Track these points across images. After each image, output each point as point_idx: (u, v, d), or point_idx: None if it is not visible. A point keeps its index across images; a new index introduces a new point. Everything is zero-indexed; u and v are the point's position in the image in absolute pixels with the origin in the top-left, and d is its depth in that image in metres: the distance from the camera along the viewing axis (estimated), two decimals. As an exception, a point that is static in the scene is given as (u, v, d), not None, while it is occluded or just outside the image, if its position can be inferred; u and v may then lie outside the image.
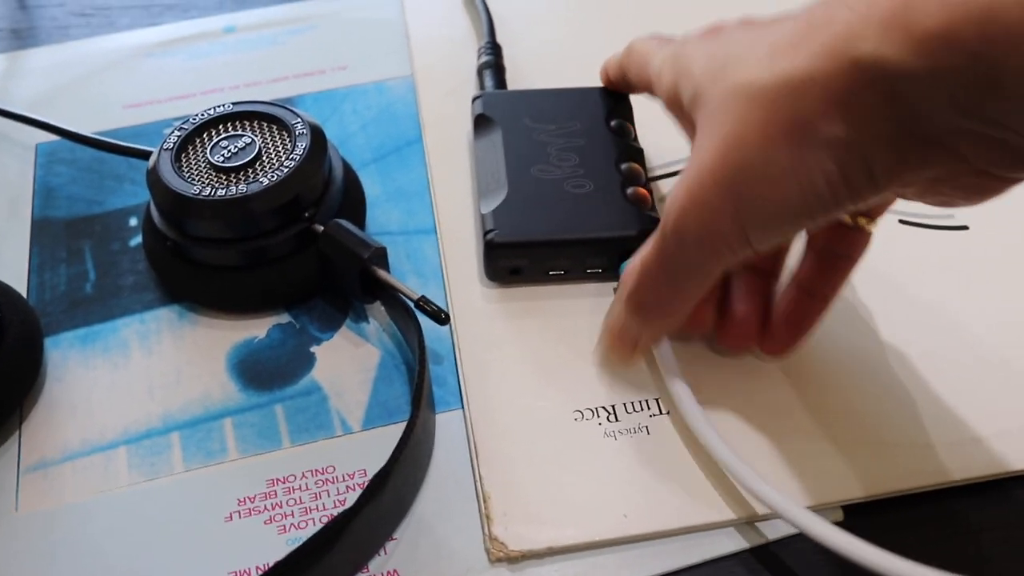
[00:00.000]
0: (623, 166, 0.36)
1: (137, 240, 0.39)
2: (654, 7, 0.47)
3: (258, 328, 0.36)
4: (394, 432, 0.32)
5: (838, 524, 0.30)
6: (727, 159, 0.26)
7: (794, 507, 0.28)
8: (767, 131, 0.25)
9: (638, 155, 0.37)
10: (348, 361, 0.35)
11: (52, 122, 0.41)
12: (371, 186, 0.40)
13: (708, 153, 0.27)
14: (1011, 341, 0.34)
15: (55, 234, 0.39)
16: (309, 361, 0.35)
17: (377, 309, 0.36)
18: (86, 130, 0.41)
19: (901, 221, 0.38)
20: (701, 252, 0.28)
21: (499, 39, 0.45)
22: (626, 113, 0.39)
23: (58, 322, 0.36)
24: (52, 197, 0.41)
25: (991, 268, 0.37)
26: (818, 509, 0.30)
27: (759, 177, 0.26)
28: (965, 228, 0.38)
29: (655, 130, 0.40)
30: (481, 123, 0.38)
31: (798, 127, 0.25)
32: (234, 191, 0.33)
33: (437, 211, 0.39)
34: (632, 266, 0.31)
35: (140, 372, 0.35)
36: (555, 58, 0.45)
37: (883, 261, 0.36)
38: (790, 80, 0.24)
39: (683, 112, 0.30)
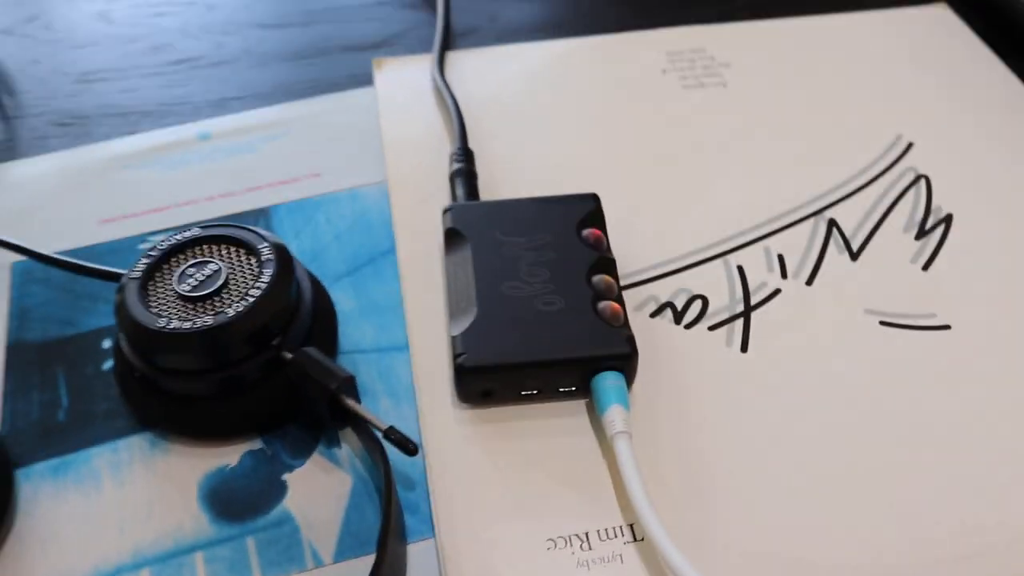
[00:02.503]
0: (595, 279, 0.36)
1: (111, 363, 0.39)
2: (633, 113, 0.48)
3: (230, 456, 0.35)
4: (366, 564, 0.32)
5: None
6: None
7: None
8: None
9: (610, 266, 0.37)
10: (320, 489, 0.34)
11: (20, 243, 0.41)
12: (344, 301, 0.40)
13: None
14: (1007, 447, 0.34)
15: (29, 359, 0.39)
16: (281, 490, 0.34)
17: (349, 433, 0.36)
18: (62, 246, 0.41)
19: (882, 323, 0.38)
20: None
21: (472, 142, 0.45)
22: (597, 221, 0.39)
23: (31, 452, 0.36)
24: (27, 319, 0.41)
25: (975, 367, 0.37)
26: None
27: None
28: (948, 328, 0.38)
29: (628, 236, 0.40)
30: (451, 237, 0.38)
31: None
32: (200, 323, 0.33)
33: (409, 329, 0.38)
34: None
35: (112, 504, 0.34)
36: (530, 159, 0.45)
37: (865, 363, 0.36)
38: None
39: None
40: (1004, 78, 0.49)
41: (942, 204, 0.43)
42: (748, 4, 0.55)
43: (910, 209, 0.42)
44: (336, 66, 0.53)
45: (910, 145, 0.45)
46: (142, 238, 0.44)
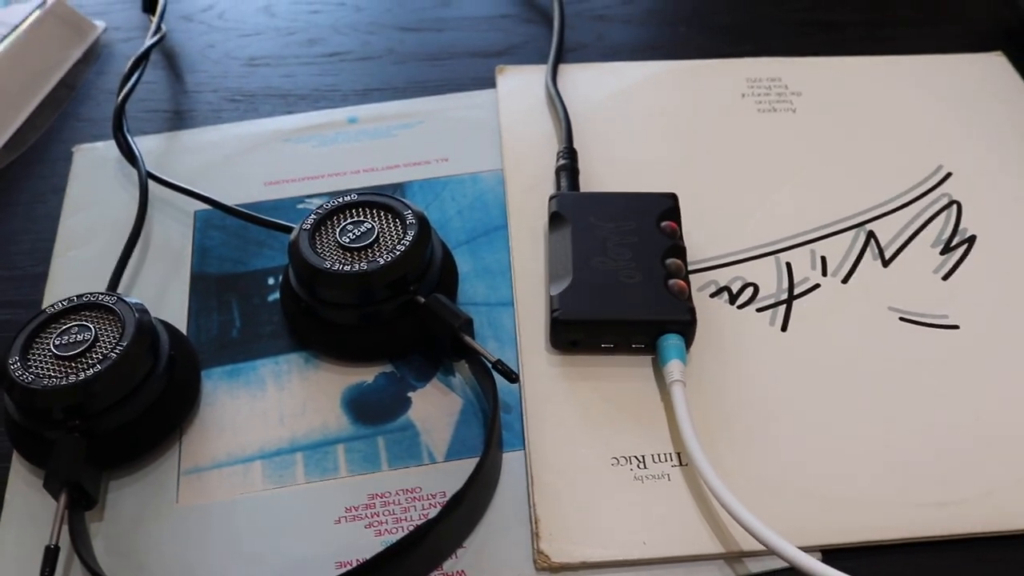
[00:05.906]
0: (668, 261, 0.45)
1: (274, 296, 0.48)
2: (712, 129, 0.56)
3: (367, 375, 0.45)
4: (470, 464, 0.41)
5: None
6: None
7: (788, 546, 0.36)
8: None
9: (681, 252, 0.46)
10: (437, 406, 0.44)
11: (207, 195, 0.51)
12: (463, 263, 0.49)
13: None
14: (990, 428, 0.42)
15: (209, 288, 0.49)
16: (406, 403, 0.44)
17: (462, 366, 0.45)
18: (233, 201, 0.51)
19: (901, 318, 0.46)
20: None
21: (576, 143, 0.54)
22: (674, 216, 0.47)
23: (211, 359, 0.46)
24: (207, 256, 0.51)
25: (977, 364, 0.44)
26: (803, 550, 0.38)
27: None
28: (956, 327, 0.46)
29: (698, 231, 0.49)
30: (555, 219, 0.47)
31: None
32: (356, 268, 0.42)
33: (515, 288, 0.47)
34: None
35: (273, 403, 0.44)
36: (623, 160, 0.54)
37: (882, 348, 0.44)
38: None
39: None
40: (1041, 124, 0.57)
41: (968, 227, 0.50)
42: (825, 42, 0.63)
43: (940, 228, 0.50)
44: (463, 68, 0.62)
45: (948, 175, 0.53)
46: (299, 199, 0.53)
